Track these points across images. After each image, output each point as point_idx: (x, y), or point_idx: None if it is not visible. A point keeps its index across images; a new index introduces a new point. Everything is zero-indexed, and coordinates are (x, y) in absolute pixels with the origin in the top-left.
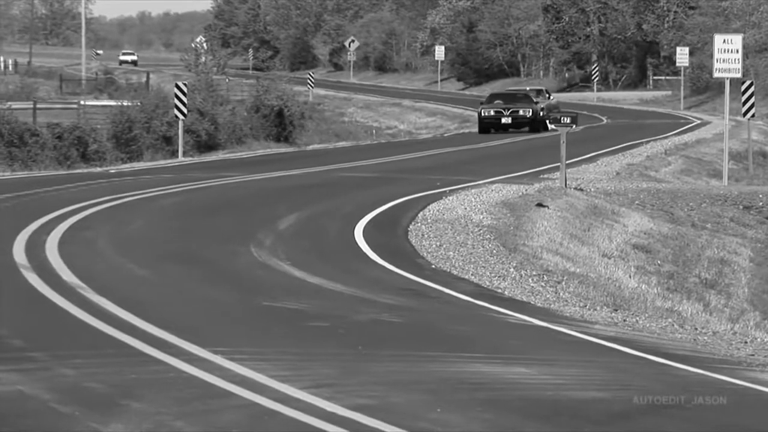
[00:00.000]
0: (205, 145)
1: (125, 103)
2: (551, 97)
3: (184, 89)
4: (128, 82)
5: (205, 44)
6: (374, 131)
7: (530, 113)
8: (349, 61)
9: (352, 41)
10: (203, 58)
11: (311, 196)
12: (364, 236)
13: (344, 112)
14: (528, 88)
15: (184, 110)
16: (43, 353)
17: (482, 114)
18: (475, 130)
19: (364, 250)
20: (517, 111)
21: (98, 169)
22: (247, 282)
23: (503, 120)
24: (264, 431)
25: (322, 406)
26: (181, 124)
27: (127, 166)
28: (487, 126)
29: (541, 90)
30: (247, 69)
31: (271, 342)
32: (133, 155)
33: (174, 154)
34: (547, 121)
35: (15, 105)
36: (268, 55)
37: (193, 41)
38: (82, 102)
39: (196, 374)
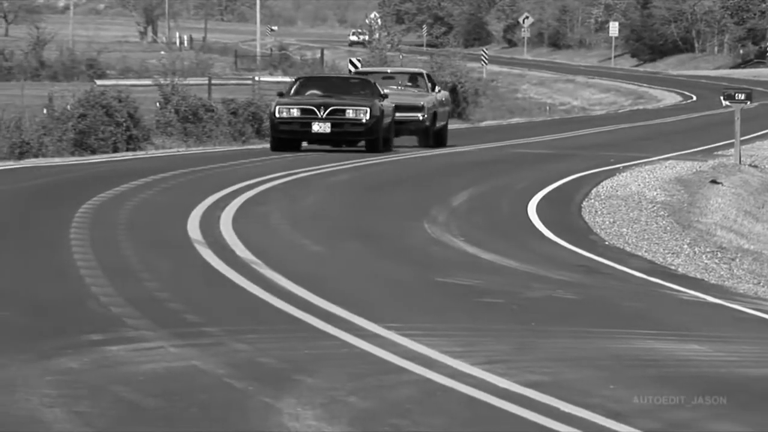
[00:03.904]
0: None
1: None
2: (438, 90)
3: (358, 65)
4: (302, 59)
5: (379, 20)
6: (548, 107)
7: (366, 116)
8: (523, 38)
9: (526, 17)
10: (377, 34)
11: (484, 172)
12: (537, 212)
13: (518, 88)
14: (389, 70)
15: None
16: (218, 328)
17: (276, 114)
18: (651, 106)
19: (538, 226)
20: (344, 111)
21: None
22: (420, 258)
23: (315, 126)
24: (437, 407)
25: (494, 383)
26: None
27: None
28: (285, 139)
29: (419, 75)
30: (421, 45)
31: (444, 318)
32: None
33: None
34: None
35: (191, 81)
36: (442, 31)
37: (367, 17)
38: (256, 78)
39: (369, 350)
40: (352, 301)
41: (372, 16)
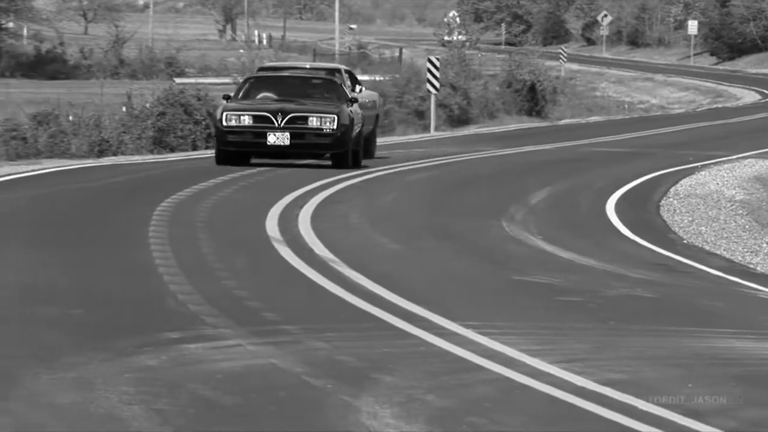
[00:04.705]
0: (457, 119)
1: (378, 78)
2: (359, 89)
3: (437, 64)
4: (381, 57)
5: (457, 19)
6: (626, 106)
7: (333, 125)
8: (602, 36)
9: (605, 15)
10: (456, 33)
11: (563, 170)
12: (615, 211)
13: (596, 86)
14: (308, 65)
15: (437, 84)
16: (296, 326)
17: (224, 122)
18: (730, 104)
19: (616, 224)
20: (306, 119)
21: None
22: (498, 256)
23: (271, 137)
24: (515, 405)
25: (572, 381)
26: (433, 98)
27: (379, 140)
28: (234, 152)
29: (337, 71)
30: (500, 44)
31: (522, 316)
32: (385, 129)
33: (426, 128)
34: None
35: None
36: (521, 29)
37: (445, 16)
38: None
39: (447, 348)
40: (431, 299)
41: (451, 14)
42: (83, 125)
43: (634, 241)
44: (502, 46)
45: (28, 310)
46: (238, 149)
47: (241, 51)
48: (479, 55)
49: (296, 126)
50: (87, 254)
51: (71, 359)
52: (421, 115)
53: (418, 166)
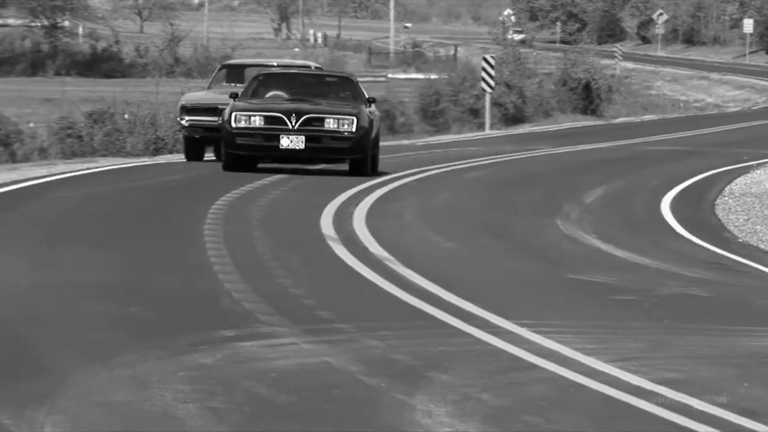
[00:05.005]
0: (512, 118)
1: (433, 77)
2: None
3: (492, 62)
4: (436, 55)
5: (512, 17)
6: (682, 104)
7: (352, 128)
8: (657, 34)
9: (660, 14)
10: (511, 32)
11: (618, 169)
12: (670, 209)
13: (651, 85)
14: (275, 62)
15: (492, 83)
16: (350, 325)
17: (233, 124)
18: None
19: (671, 223)
20: (322, 121)
21: (406, 142)
22: (552, 254)
23: (285, 140)
24: (570, 404)
25: (627, 380)
26: (488, 97)
27: (434, 138)
28: (243, 156)
29: (317, 68)
30: (555, 42)
31: (576, 315)
32: (440, 128)
33: (481, 126)
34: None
35: None
36: (576, 28)
37: (501, 15)
38: (390, 75)
39: (501, 347)
40: (485, 298)
41: (506, 13)
42: (138, 123)
43: (689, 240)
44: (557, 44)
45: (84, 308)
46: (247, 153)
47: (296, 50)
48: (534, 54)
49: (311, 128)
50: (143, 252)
51: (127, 357)
52: (476, 113)
53: (473, 164)
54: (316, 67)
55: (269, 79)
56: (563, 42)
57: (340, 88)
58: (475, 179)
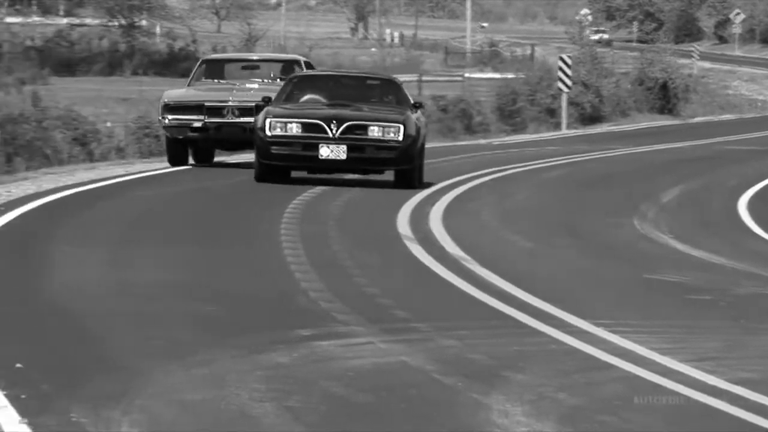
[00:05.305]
0: (588, 117)
1: (509, 76)
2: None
3: (569, 62)
4: (513, 55)
5: (589, 17)
6: (759, 104)
7: (399, 136)
8: (734, 34)
9: (737, 13)
10: (587, 31)
11: (694, 168)
12: (748, 209)
13: (728, 84)
14: (255, 57)
15: (568, 83)
16: (427, 324)
17: (268, 131)
18: None
19: (748, 223)
20: (366, 129)
21: (482, 142)
22: (629, 254)
23: (325, 150)
24: (645, 404)
25: (703, 380)
26: (564, 96)
27: (510, 138)
28: (278, 167)
29: (296, 63)
30: (631, 41)
31: (652, 314)
32: (517, 127)
33: (557, 126)
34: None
35: (401, 77)
36: (652, 27)
37: (577, 14)
38: (466, 75)
39: (577, 346)
40: (561, 297)
41: (583, 12)
42: None
43: (766, 240)
44: (634, 44)
45: (161, 307)
46: (283, 164)
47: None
48: (611, 53)
49: (354, 137)
50: (219, 252)
51: (203, 356)
52: (553, 113)
53: (549, 164)
54: (305, 62)
55: (305, 82)
56: (640, 41)
57: (383, 91)
58: (552, 179)
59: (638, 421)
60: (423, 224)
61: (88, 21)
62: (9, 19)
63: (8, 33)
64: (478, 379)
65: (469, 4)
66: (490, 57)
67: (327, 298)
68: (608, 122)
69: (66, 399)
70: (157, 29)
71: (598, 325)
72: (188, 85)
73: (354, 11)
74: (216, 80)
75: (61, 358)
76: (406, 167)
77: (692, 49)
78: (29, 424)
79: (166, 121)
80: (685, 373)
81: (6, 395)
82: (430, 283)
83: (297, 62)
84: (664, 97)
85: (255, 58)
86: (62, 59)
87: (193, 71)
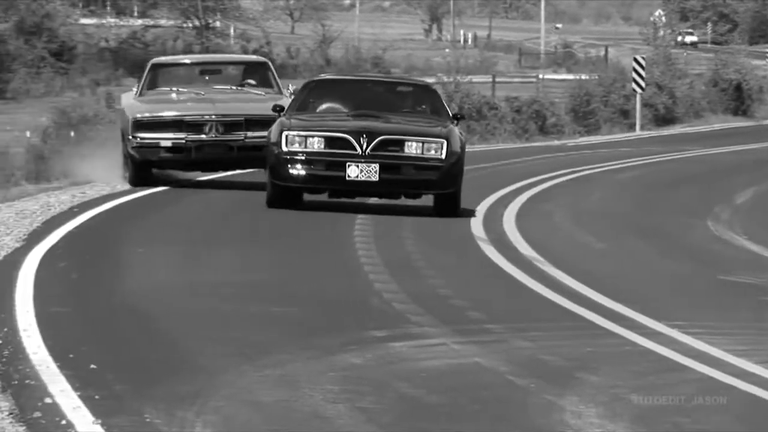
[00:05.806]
0: (662, 118)
1: (583, 77)
2: (289, 89)
3: (642, 63)
4: (587, 56)
5: (663, 18)
6: None
7: (442, 153)
8: None
9: None
10: (662, 32)
11: None
12: None
13: None
14: (219, 58)
15: (642, 84)
16: (500, 325)
17: (284, 147)
18: None
19: None
20: (402, 144)
21: (556, 143)
22: (702, 256)
23: (353, 169)
24: (719, 405)
25: None
26: (638, 97)
27: (584, 139)
28: (293, 189)
29: (260, 65)
30: (706, 42)
31: (726, 316)
32: (591, 128)
33: (631, 127)
34: None
35: (475, 78)
36: (727, 28)
37: (651, 15)
38: (540, 76)
39: (651, 348)
40: (635, 298)
41: (657, 14)
42: None
43: None
44: (708, 45)
45: (235, 308)
46: (304, 186)
47: (447, 51)
48: (684, 54)
49: (388, 154)
50: (294, 253)
51: (277, 357)
52: (626, 114)
53: (623, 165)
54: (264, 62)
55: (324, 87)
56: (714, 42)
57: (416, 100)
58: (626, 180)
59: (711, 423)
60: (496, 225)
61: (162, 22)
62: (83, 21)
63: (83, 34)
64: (552, 381)
65: (543, 5)
66: (564, 58)
67: (400, 299)
68: (682, 123)
69: (139, 400)
70: (231, 31)
71: (671, 326)
72: (139, 95)
73: (428, 12)
74: (174, 88)
75: (134, 359)
76: (449, 191)
77: (767, 50)
78: (103, 424)
79: (137, 141)
80: (759, 375)
81: (80, 396)
82: (503, 284)
83: (261, 64)
84: (738, 98)
85: (213, 60)
86: (136, 60)
87: (143, 77)
